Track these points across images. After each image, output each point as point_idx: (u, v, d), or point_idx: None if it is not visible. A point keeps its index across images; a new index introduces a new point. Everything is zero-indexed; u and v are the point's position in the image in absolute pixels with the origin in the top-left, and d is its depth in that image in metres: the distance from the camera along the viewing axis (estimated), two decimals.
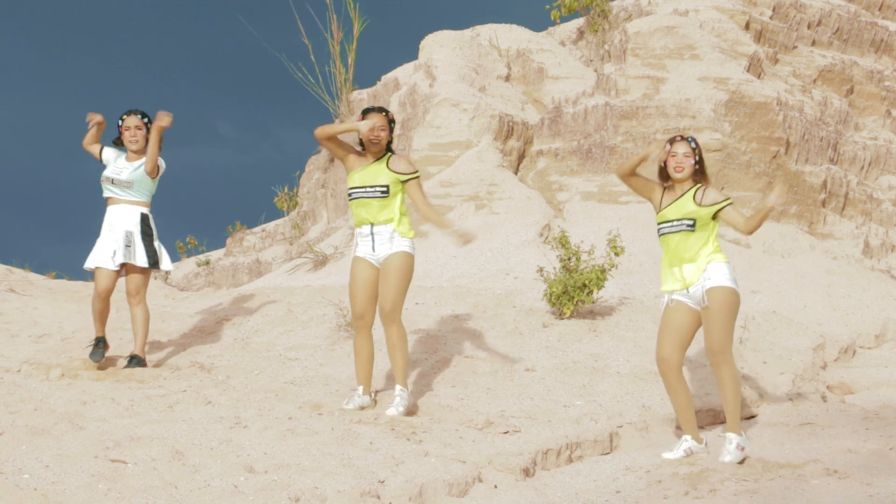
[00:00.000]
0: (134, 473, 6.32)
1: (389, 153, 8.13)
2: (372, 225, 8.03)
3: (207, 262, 16.75)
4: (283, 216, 17.33)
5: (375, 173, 8.03)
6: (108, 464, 6.42)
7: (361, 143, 8.13)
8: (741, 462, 7.11)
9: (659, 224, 7.43)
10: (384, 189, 8.01)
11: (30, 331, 10.34)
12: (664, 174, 7.52)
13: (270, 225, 17.23)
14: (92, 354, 8.90)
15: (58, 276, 14.64)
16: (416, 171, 8.14)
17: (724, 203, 7.38)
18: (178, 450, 6.74)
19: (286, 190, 17.68)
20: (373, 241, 8.03)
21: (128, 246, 9.01)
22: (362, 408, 8.02)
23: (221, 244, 17.96)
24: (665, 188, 7.52)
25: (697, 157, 7.43)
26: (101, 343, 8.95)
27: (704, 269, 7.30)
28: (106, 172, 9.13)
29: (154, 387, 8.40)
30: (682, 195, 7.42)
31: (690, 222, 7.33)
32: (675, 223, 7.37)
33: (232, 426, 7.39)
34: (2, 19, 42.56)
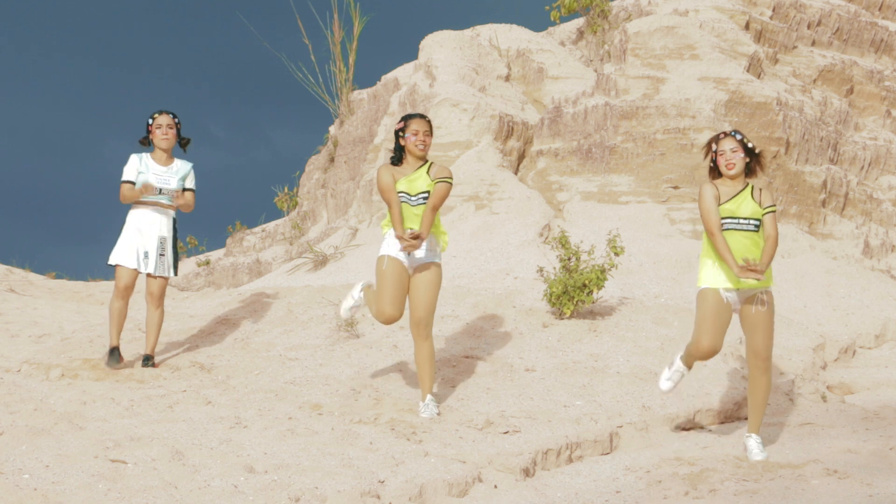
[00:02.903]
0: (134, 473, 6.32)
1: (430, 161, 8.07)
2: (411, 231, 7.89)
3: (207, 262, 16.75)
4: (283, 216, 17.34)
5: (418, 181, 7.94)
6: (108, 464, 6.43)
7: (402, 150, 8.03)
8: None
9: (724, 219, 7.25)
10: (426, 195, 7.93)
11: (30, 331, 10.34)
12: (714, 172, 7.42)
13: (270, 225, 17.24)
14: (108, 362, 8.93)
15: (58, 276, 14.66)
16: (451, 177, 8.01)
17: (771, 209, 7.30)
18: (178, 450, 6.75)
19: (286, 190, 17.70)
20: None
21: (161, 255, 9.06)
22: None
23: (221, 244, 17.98)
24: (717, 182, 7.41)
25: (750, 146, 7.33)
26: (115, 353, 8.97)
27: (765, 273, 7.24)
28: (153, 182, 9.05)
29: (154, 387, 8.40)
30: (741, 191, 7.31)
31: (758, 223, 7.26)
32: (742, 221, 7.25)
33: (232, 426, 7.39)
34: (1, 20, 42.55)
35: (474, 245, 12.06)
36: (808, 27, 15.66)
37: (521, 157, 13.96)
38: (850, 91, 15.22)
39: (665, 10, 14.85)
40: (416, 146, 7.94)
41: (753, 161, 7.39)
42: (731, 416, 8.49)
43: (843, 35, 15.85)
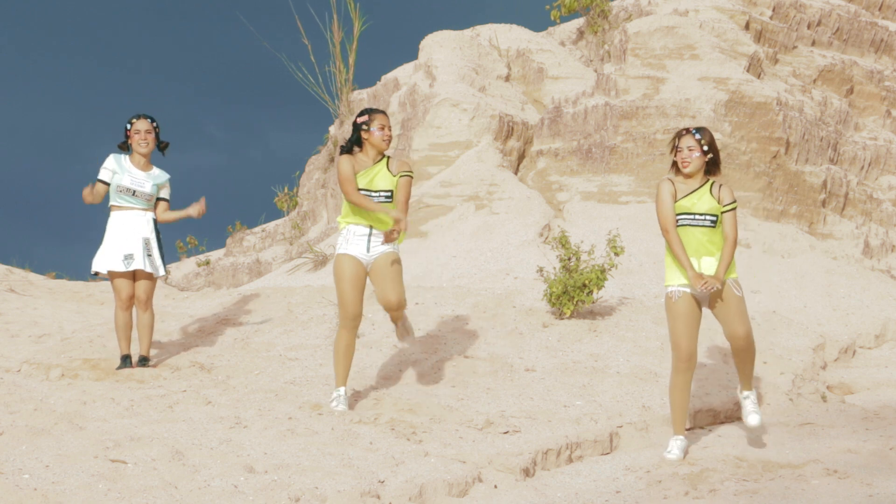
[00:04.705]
0: (134, 473, 6.32)
1: (387, 156, 8.15)
2: (371, 227, 8.00)
3: (207, 262, 16.76)
4: (283, 216, 17.35)
5: (378, 176, 8.01)
6: (108, 464, 6.43)
7: (360, 143, 8.09)
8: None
9: (679, 215, 7.33)
10: (388, 194, 8.01)
11: (30, 331, 10.34)
12: (676, 167, 7.47)
13: (270, 225, 17.24)
14: (119, 368, 8.93)
15: (58, 276, 14.66)
16: (412, 170, 8.19)
17: (731, 206, 7.38)
18: (178, 450, 6.75)
19: (286, 190, 17.70)
20: (369, 242, 8.01)
21: (149, 255, 9.00)
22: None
23: (221, 244, 17.97)
24: (676, 179, 7.45)
25: (706, 148, 7.36)
26: (127, 360, 8.96)
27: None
28: (125, 183, 8.98)
29: (154, 387, 8.40)
30: (699, 188, 7.37)
31: (714, 218, 7.32)
32: (697, 217, 7.31)
33: (232, 426, 7.39)
34: (1, 20, 42.57)
35: (474, 245, 12.06)
36: (808, 27, 15.66)
37: (521, 157, 13.96)
38: (850, 91, 15.22)
39: (665, 10, 14.85)
40: (383, 140, 8.01)
41: (712, 161, 7.41)
42: (731, 416, 8.49)
43: (843, 35, 15.85)
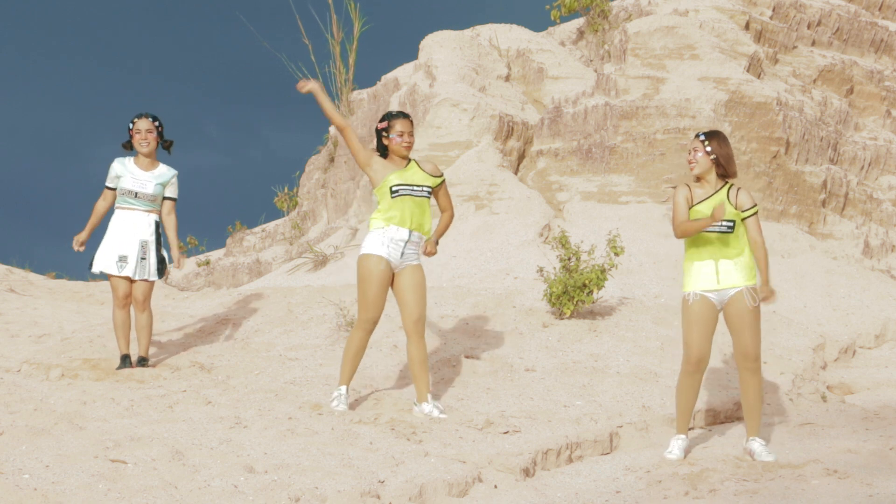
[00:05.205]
0: (134, 473, 6.32)
1: (412, 158, 8.10)
2: (411, 231, 7.89)
3: (207, 262, 16.76)
4: (283, 216, 17.35)
5: (414, 175, 7.96)
6: (108, 464, 6.43)
7: (384, 148, 8.03)
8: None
9: (696, 220, 7.28)
10: (429, 189, 7.98)
11: (30, 331, 10.34)
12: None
13: (270, 225, 17.24)
14: (119, 368, 8.93)
15: (58, 276, 14.67)
16: (442, 173, 8.19)
17: (752, 211, 7.32)
18: (178, 450, 6.75)
19: (286, 190, 17.70)
20: (405, 247, 7.92)
21: (143, 258, 8.97)
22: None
23: (221, 244, 17.98)
24: (693, 185, 7.42)
25: (709, 149, 7.31)
26: (126, 360, 8.96)
27: (746, 271, 7.28)
28: (127, 185, 9.00)
29: (154, 387, 8.40)
30: (716, 192, 7.33)
31: (731, 224, 7.26)
32: (715, 224, 7.24)
33: (232, 426, 7.39)
34: (2, 20, 42.59)
35: (474, 245, 12.06)
36: (808, 27, 15.66)
37: (521, 157, 13.96)
38: (850, 91, 15.22)
39: (665, 10, 14.85)
40: (402, 147, 7.95)
41: (718, 163, 7.38)
42: (731, 416, 8.49)
43: (843, 35, 15.85)
